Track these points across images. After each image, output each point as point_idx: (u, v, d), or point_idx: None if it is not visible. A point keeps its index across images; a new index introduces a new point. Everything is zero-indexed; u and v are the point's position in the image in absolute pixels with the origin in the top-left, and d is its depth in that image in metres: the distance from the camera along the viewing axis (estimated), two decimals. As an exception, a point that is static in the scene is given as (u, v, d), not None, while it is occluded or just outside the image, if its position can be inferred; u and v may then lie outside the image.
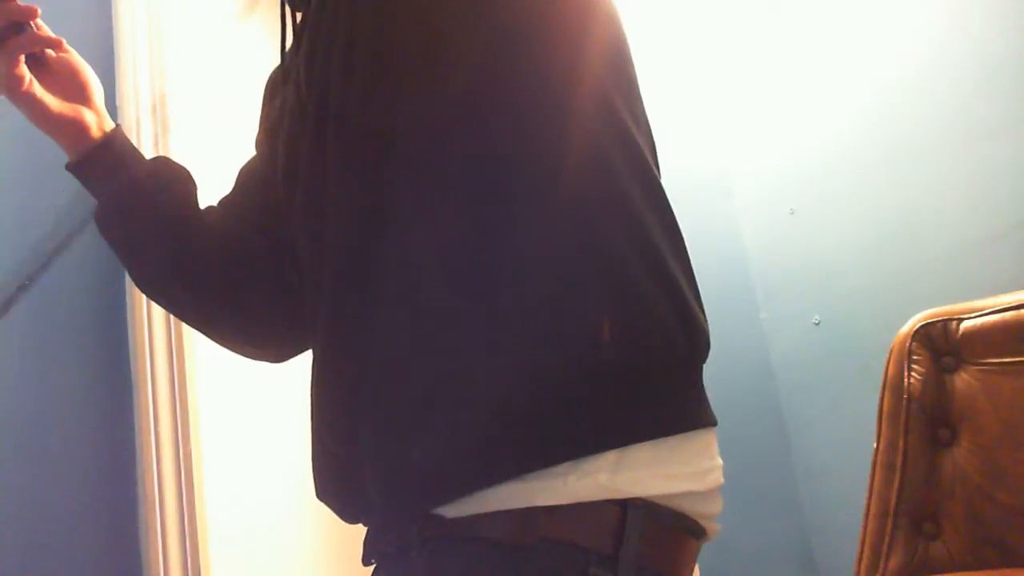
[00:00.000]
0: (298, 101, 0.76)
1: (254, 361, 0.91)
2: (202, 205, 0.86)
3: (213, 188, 0.90)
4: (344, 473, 0.65)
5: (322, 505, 0.71)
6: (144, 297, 1.32)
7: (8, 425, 1.12)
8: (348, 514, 0.69)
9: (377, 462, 0.61)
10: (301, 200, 0.74)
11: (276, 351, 0.88)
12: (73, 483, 1.18)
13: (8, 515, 1.08)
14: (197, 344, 1.37)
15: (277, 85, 0.88)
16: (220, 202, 0.89)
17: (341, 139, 0.67)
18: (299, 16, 0.83)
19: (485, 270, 0.60)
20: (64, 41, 0.78)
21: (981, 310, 1.17)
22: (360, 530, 0.69)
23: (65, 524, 1.15)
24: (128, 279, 1.33)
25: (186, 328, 1.35)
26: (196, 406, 1.34)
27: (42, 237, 1.20)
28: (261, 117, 0.92)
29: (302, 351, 0.86)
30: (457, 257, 0.61)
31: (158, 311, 1.34)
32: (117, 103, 1.36)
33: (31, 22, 0.74)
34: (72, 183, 0.81)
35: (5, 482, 1.09)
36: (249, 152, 0.92)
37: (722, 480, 0.64)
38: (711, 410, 0.65)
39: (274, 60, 0.88)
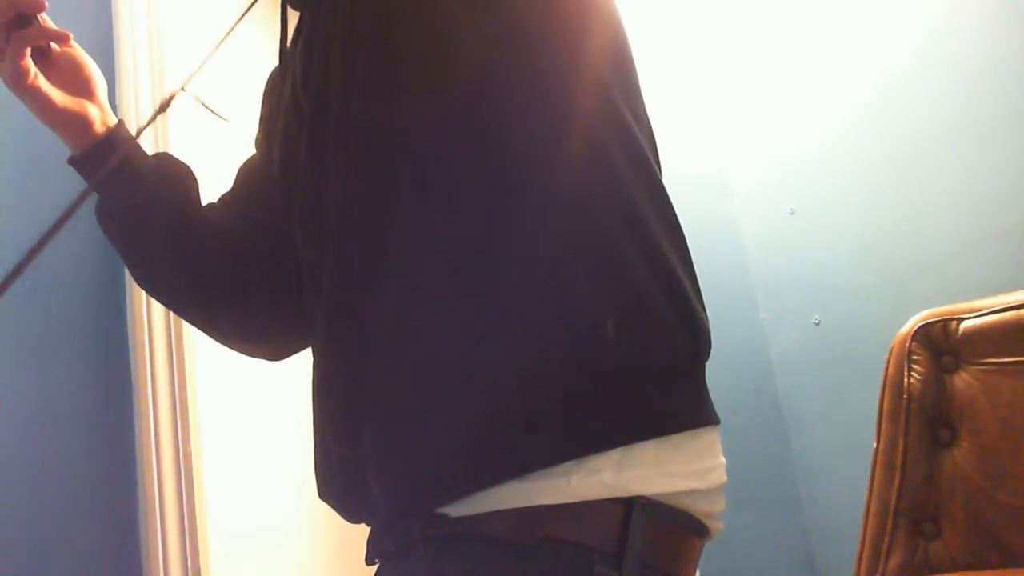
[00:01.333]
0: (293, 100, 0.76)
1: (254, 360, 0.91)
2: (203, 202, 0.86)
3: (213, 186, 0.90)
4: (347, 473, 0.65)
5: (322, 505, 0.70)
6: (144, 297, 1.32)
7: (8, 425, 1.11)
8: (350, 514, 0.69)
9: (381, 462, 0.61)
10: (299, 199, 0.74)
11: (275, 348, 0.88)
12: (73, 483, 1.18)
13: (8, 515, 1.08)
14: (197, 344, 1.37)
15: (276, 84, 0.88)
16: (220, 199, 0.89)
17: (341, 138, 0.67)
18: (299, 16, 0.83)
19: (487, 269, 0.60)
20: (71, 35, 0.77)
21: (981, 310, 1.17)
22: (360, 530, 0.69)
23: (65, 524, 1.15)
24: (128, 278, 1.33)
25: (186, 328, 1.35)
26: (196, 406, 1.34)
27: (42, 234, 1.19)
28: (260, 116, 0.92)
29: (300, 349, 0.86)
30: (459, 256, 0.61)
31: (158, 311, 1.33)
32: (117, 103, 1.36)
33: (37, 15, 0.74)
34: (72, 180, 0.81)
35: (5, 482, 1.09)
36: (249, 150, 0.92)
37: (725, 478, 0.64)
38: (714, 408, 0.65)
39: (274, 59, 0.88)
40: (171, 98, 0.79)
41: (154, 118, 0.81)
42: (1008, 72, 1.52)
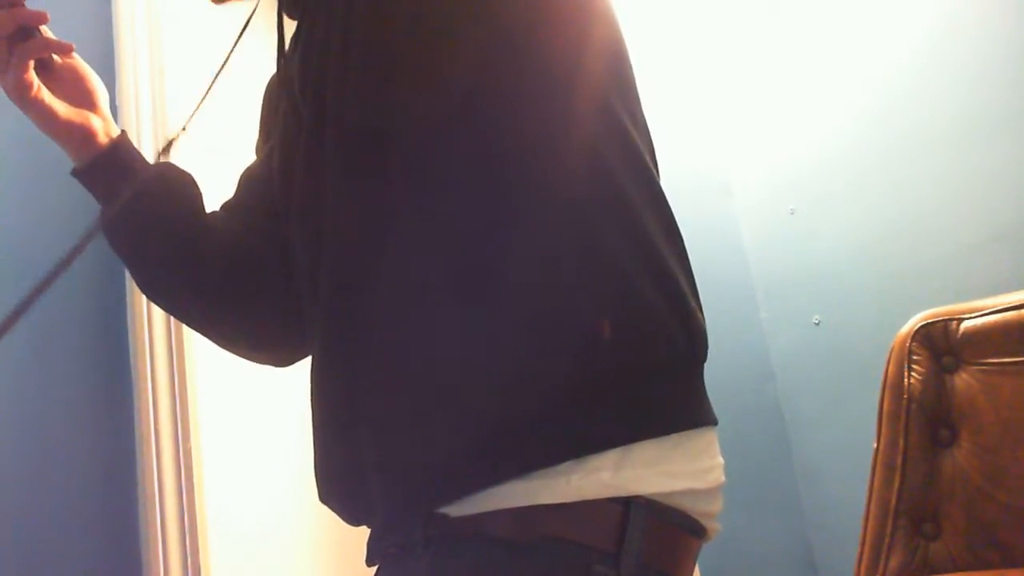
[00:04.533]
0: (292, 105, 0.76)
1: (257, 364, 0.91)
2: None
3: (215, 193, 0.90)
4: (346, 475, 0.65)
5: (322, 505, 0.70)
6: (144, 297, 1.32)
7: (8, 425, 1.12)
8: (351, 516, 0.69)
9: (380, 463, 0.61)
10: (298, 203, 0.74)
11: (281, 355, 0.88)
12: (73, 483, 1.18)
13: (8, 515, 1.08)
14: (197, 344, 1.37)
15: (274, 90, 0.88)
16: (223, 207, 0.89)
17: (339, 141, 0.68)
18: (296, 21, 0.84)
19: (484, 271, 0.60)
20: (73, 46, 0.77)
21: (981, 310, 1.17)
22: (360, 530, 0.69)
23: (65, 524, 1.15)
24: (128, 279, 1.33)
25: (186, 328, 1.35)
26: (196, 406, 1.34)
27: (45, 244, 1.20)
28: (260, 122, 0.92)
29: (306, 355, 0.86)
30: (456, 258, 0.61)
31: (158, 311, 1.33)
32: (117, 104, 1.36)
33: (39, 27, 0.74)
34: (74, 190, 0.81)
35: (5, 482, 1.09)
36: (250, 156, 0.92)
37: (723, 479, 0.64)
38: (712, 409, 0.65)
39: (273, 63, 0.88)
40: (171, 143, 0.80)
41: (157, 159, 0.81)
42: (1008, 72, 1.52)
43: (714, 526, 0.64)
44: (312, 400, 0.71)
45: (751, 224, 1.98)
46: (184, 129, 0.81)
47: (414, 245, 0.62)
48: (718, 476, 0.63)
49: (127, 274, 1.32)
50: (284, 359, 0.88)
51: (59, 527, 1.14)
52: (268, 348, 0.87)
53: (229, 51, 0.79)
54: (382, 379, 0.62)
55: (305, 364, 0.76)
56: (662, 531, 0.58)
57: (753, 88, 1.99)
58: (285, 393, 1.57)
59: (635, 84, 0.72)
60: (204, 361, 1.39)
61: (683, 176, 2.00)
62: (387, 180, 0.64)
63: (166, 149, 0.81)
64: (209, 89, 0.78)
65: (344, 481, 0.67)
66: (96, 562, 1.18)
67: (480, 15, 0.64)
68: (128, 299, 1.33)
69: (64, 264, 0.57)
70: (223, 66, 0.78)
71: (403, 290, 0.62)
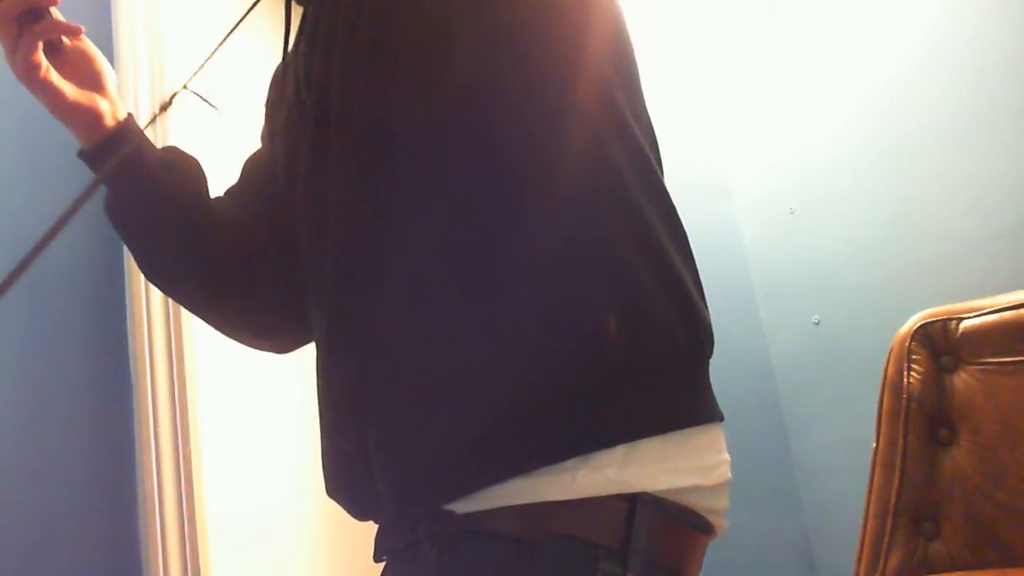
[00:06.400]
0: (296, 97, 0.76)
1: (254, 360, 0.91)
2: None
3: (215, 182, 0.90)
4: (353, 471, 0.65)
5: (323, 504, 0.70)
6: (144, 296, 1.32)
7: (8, 425, 1.11)
8: (358, 512, 0.69)
9: (386, 459, 0.61)
10: (302, 196, 0.74)
11: (282, 342, 0.88)
12: (73, 483, 1.18)
13: (8, 515, 1.08)
14: (197, 344, 1.37)
15: (280, 80, 0.88)
16: (228, 192, 0.89)
17: (343, 135, 0.68)
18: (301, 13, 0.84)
19: (488, 266, 0.60)
20: (83, 29, 0.78)
21: (981, 310, 1.17)
22: (360, 530, 0.69)
23: (65, 524, 1.15)
24: (128, 277, 1.33)
25: (186, 327, 1.35)
26: (196, 406, 1.34)
27: (43, 233, 1.19)
28: (265, 111, 0.92)
29: (307, 342, 0.86)
30: (460, 253, 0.61)
31: (158, 311, 1.33)
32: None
33: (49, 9, 0.74)
34: (73, 180, 0.81)
35: (5, 482, 1.09)
36: (252, 148, 0.92)
37: (729, 475, 0.64)
38: (717, 405, 0.65)
39: (276, 57, 0.88)
40: (172, 98, 0.79)
41: (154, 119, 0.82)
42: (1008, 72, 1.53)
43: (721, 523, 0.64)
44: (319, 395, 0.71)
45: (751, 224, 1.98)
46: (185, 87, 0.81)
47: (418, 241, 0.62)
48: (724, 472, 0.63)
49: (127, 273, 1.32)
50: (285, 346, 0.88)
51: (59, 527, 1.14)
52: (270, 335, 0.87)
53: (230, 30, 0.79)
54: (387, 375, 0.62)
55: (304, 363, 0.75)
56: (669, 528, 0.58)
57: (753, 88, 1.99)
58: (285, 393, 1.58)
59: (639, 79, 0.72)
60: (204, 361, 1.39)
61: (683, 176, 2.00)
62: (391, 177, 0.64)
63: (165, 106, 0.81)
64: (212, 54, 0.78)
65: (350, 476, 0.67)
66: (96, 562, 1.18)
67: (483, 9, 0.64)
68: (128, 298, 1.33)
69: (55, 230, 0.57)
70: (226, 38, 0.78)
71: (408, 286, 0.62)
